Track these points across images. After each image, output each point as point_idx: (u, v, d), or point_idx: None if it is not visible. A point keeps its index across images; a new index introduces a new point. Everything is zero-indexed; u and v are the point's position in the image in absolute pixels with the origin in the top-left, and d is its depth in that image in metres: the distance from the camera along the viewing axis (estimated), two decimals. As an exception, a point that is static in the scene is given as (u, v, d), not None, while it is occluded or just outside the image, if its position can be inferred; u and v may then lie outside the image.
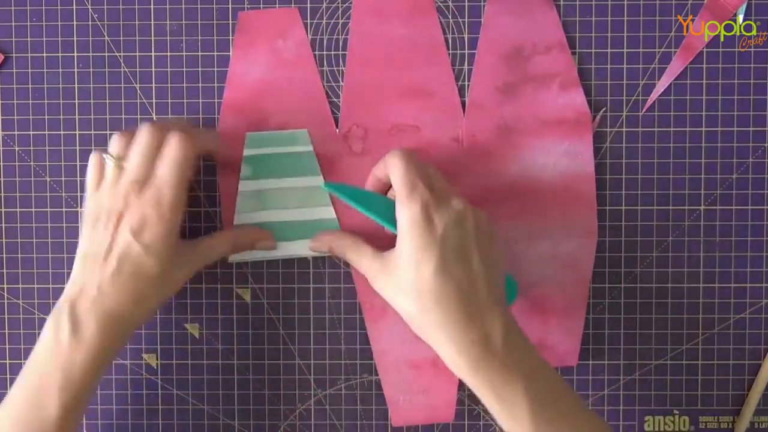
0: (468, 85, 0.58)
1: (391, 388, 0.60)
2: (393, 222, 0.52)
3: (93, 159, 0.55)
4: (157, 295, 0.54)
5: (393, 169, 0.52)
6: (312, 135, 0.58)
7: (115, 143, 0.54)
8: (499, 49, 0.58)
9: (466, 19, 0.58)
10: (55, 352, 0.51)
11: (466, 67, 0.58)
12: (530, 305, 0.59)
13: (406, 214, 0.51)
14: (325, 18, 0.59)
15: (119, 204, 0.52)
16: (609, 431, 0.52)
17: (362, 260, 0.54)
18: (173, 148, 0.53)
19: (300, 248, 0.58)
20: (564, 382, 0.52)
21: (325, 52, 0.59)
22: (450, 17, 0.58)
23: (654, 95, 0.58)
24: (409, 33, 0.58)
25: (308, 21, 0.59)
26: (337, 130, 0.59)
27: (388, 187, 0.56)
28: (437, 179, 0.53)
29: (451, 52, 0.58)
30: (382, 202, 0.55)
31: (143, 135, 0.53)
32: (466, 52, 0.58)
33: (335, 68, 0.59)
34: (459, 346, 0.49)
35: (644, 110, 0.58)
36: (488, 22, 0.58)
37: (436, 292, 0.50)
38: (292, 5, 0.58)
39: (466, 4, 0.58)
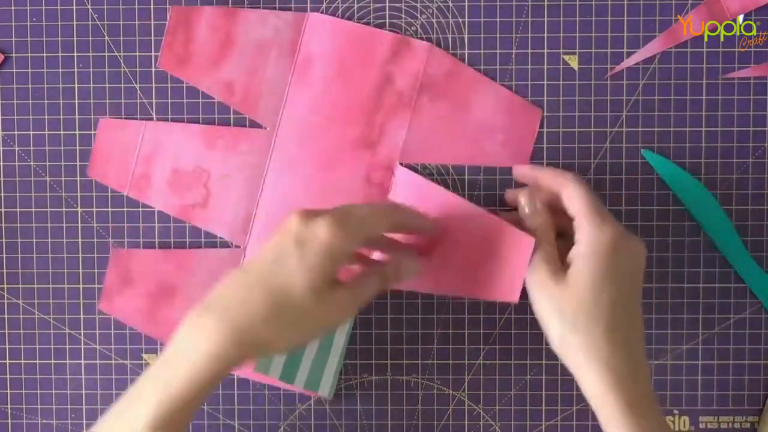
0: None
1: None
2: None
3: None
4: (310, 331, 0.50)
5: (576, 193, 0.51)
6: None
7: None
8: None
9: (466, 19, 0.59)
10: (215, 371, 0.47)
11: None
12: None
13: (600, 241, 0.49)
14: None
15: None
16: None
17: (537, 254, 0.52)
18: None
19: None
20: None
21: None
22: (450, 17, 0.58)
23: (628, 62, 0.58)
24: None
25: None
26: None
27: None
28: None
29: (451, 52, 0.58)
30: None
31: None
32: (466, 52, 0.59)
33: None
34: (607, 378, 0.49)
35: (612, 73, 0.58)
36: None
37: (609, 322, 0.49)
38: (292, 7, 0.59)
39: (467, 4, 0.59)
